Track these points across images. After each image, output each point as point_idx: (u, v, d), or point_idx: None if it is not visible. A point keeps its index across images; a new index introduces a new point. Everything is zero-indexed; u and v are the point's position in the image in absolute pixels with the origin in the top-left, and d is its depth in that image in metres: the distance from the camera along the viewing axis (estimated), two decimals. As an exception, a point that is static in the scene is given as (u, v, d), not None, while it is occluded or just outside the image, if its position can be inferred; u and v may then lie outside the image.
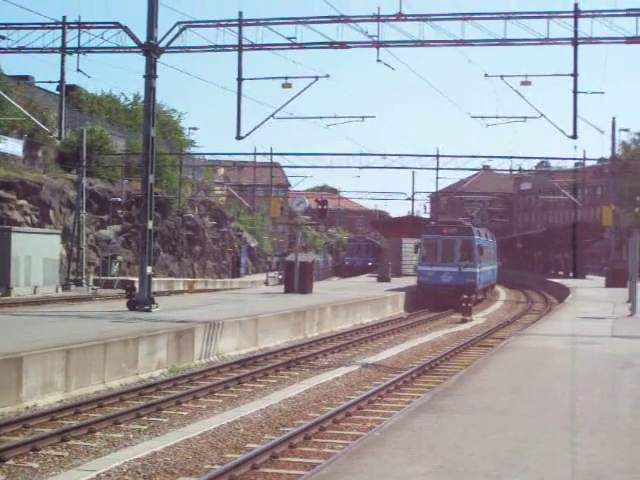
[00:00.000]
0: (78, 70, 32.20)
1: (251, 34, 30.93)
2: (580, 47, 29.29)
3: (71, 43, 31.53)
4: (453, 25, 29.74)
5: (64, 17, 31.42)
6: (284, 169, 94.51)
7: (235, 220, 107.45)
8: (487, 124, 40.67)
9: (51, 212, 60.37)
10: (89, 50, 31.66)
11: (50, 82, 35.00)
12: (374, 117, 52.41)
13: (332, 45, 30.52)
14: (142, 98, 34.80)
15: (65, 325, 24.88)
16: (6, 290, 48.60)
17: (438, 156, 60.55)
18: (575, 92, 30.03)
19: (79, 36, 31.41)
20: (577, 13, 28.72)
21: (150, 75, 30.34)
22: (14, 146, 61.42)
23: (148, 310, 29.59)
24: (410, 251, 75.95)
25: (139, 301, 30.33)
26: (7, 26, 32.02)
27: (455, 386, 15.99)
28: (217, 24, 30.85)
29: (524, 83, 31.54)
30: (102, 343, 20.51)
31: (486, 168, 78.21)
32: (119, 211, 69.60)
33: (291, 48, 31.03)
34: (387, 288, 52.24)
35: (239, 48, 31.43)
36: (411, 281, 60.66)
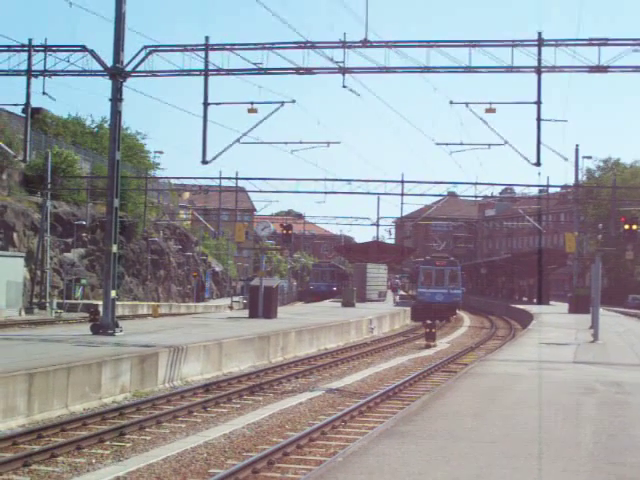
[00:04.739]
0: (44, 93, 32.15)
1: (217, 59, 31.03)
2: (544, 75, 29.60)
3: (37, 66, 31.46)
4: (418, 52, 29.93)
5: (30, 40, 31.35)
6: (249, 194, 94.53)
7: (200, 244, 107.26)
8: (452, 151, 40.82)
9: (15, 235, 60.05)
10: (55, 73, 31.55)
11: (15, 105, 34.65)
12: (339, 143, 52.70)
13: (298, 71, 30.62)
14: (108, 121, 34.68)
15: (28, 348, 24.67)
16: (-32, 313, 48.28)
17: (403, 182, 60.56)
18: (539, 120, 30.28)
19: (45, 59, 31.35)
20: (541, 42, 29.01)
21: (116, 98, 30.30)
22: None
23: (112, 334, 29.45)
24: (375, 276, 76.55)
25: (103, 325, 30.17)
26: (-28, 49, 31.84)
27: (419, 412, 16.02)
28: (184, 48, 30.88)
29: (488, 110, 31.69)
30: (65, 367, 20.37)
31: (451, 194, 78.50)
32: (83, 234, 69.35)
33: (257, 73, 31.09)
34: (352, 314, 52.20)
35: (205, 73, 31.48)
36: (378, 307, 60.79)
